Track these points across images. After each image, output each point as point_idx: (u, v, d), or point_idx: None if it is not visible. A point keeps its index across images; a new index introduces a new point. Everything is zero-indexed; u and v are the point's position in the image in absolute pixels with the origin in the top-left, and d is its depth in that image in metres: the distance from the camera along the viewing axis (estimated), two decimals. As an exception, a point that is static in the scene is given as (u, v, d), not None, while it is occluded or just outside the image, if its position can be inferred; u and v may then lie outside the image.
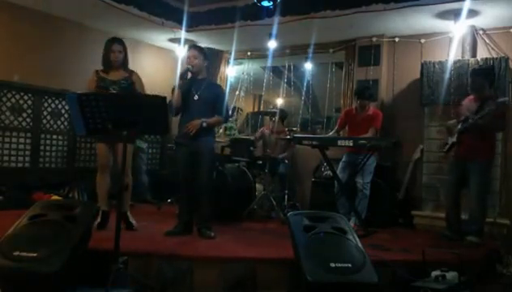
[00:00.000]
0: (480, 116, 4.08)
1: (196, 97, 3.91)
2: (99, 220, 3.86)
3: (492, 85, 4.36)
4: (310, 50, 6.31)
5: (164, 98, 2.91)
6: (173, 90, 4.03)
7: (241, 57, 7.08)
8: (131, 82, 4.02)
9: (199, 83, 3.95)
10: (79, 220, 2.78)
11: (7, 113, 5.44)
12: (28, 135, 5.64)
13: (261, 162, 5.43)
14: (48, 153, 5.81)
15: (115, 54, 3.98)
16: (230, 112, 6.31)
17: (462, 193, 4.41)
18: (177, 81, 3.98)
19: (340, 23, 5.37)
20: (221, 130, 6.71)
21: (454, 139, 4.36)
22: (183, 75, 3.82)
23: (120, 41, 4.06)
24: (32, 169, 5.62)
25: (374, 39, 5.91)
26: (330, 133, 5.17)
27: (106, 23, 6.04)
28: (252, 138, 6.13)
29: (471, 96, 4.43)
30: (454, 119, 4.49)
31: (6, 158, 5.44)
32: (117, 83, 3.95)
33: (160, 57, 7.13)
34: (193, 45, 4.14)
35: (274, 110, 6.17)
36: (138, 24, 5.97)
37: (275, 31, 5.63)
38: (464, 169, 4.31)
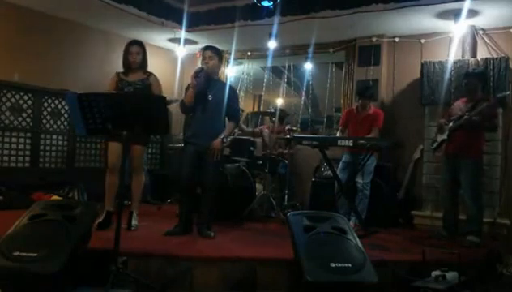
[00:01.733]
0: (476, 113, 4.10)
1: (210, 98, 3.91)
2: (101, 219, 3.85)
3: (484, 88, 4.39)
4: (310, 50, 6.32)
5: (164, 98, 2.91)
6: (187, 89, 4.01)
7: (241, 57, 7.08)
8: (148, 84, 4.02)
9: (213, 84, 3.96)
10: (79, 220, 2.77)
11: (7, 113, 5.44)
12: (28, 135, 5.64)
13: (261, 162, 5.43)
14: (48, 153, 5.81)
15: (133, 56, 4.02)
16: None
17: (460, 193, 4.41)
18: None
19: (340, 23, 5.37)
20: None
21: (444, 136, 4.37)
22: (197, 74, 3.81)
23: (138, 43, 4.11)
24: (32, 169, 5.62)
25: (374, 39, 5.92)
26: (337, 133, 5.16)
27: (106, 23, 6.05)
28: (251, 138, 6.14)
29: (464, 98, 4.46)
30: (443, 119, 4.52)
31: (6, 158, 5.44)
32: (133, 84, 3.98)
33: (160, 57, 7.12)
34: (208, 46, 4.10)
35: (273, 110, 6.17)
36: (138, 24, 5.97)
37: (275, 31, 5.63)
38: (456, 168, 4.32)
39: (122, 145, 3.88)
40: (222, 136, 3.89)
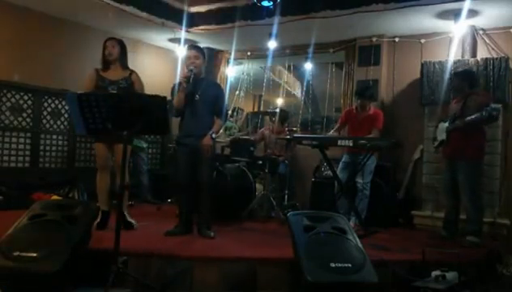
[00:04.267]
0: (469, 120, 4.10)
1: (197, 97, 3.92)
2: (98, 220, 3.85)
3: (472, 84, 4.39)
4: (310, 50, 6.32)
5: (165, 98, 2.91)
6: (173, 90, 4.02)
7: (241, 57, 7.08)
8: (131, 82, 4.02)
9: (199, 83, 3.96)
10: (79, 220, 2.78)
11: (7, 113, 5.44)
12: (28, 135, 5.64)
13: (261, 162, 5.43)
14: (48, 153, 5.82)
15: (108, 49, 4.02)
16: (229, 112, 6.35)
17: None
18: (176, 80, 3.99)
19: (340, 23, 5.37)
20: (221, 130, 6.71)
21: (443, 136, 4.39)
22: (188, 79, 3.81)
23: (115, 38, 4.12)
24: (32, 169, 5.62)
25: (374, 39, 5.92)
26: (331, 132, 5.17)
27: (106, 23, 6.04)
28: (252, 138, 6.14)
29: (455, 99, 4.50)
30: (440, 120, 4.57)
31: (6, 158, 5.44)
32: (116, 83, 3.96)
33: (160, 57, 7.13)
34: (192, 45, 4.14)
35: (274, 110, 6.17)
36: (138, 24, 5.97)
37: (275, 31, 5.63)
38: (453, 168, 4.34)
39: (108, 146, 3.95)
40: (210, 133, 3.89)
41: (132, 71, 4.08)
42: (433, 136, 4.65)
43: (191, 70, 3.84)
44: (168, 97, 4.04)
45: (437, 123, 4.61)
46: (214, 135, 3.91)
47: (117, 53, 4.04)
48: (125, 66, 4.09)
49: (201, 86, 3.95)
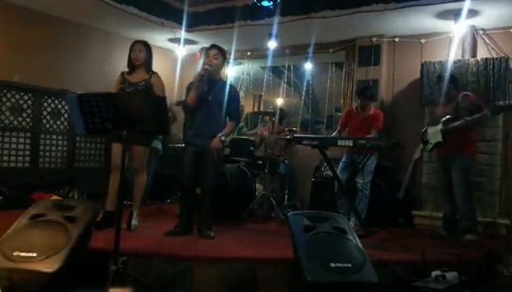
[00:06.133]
0: (463, 123, 4.19)
1: (210, 98, 3.90)
2: (99, 219, 3.84)
3: (457, 88, 4.44)
4: (310, 50, 6.32)
5: (164, 98, 2.91)
6: (188, 89, 4.00)
7: (241, 57, 7.07)
8: (149, 84, 4.01)
9: (214, 84, 3.94)
10: (79, 220, 2.78)
11: (7, 113, 5.45)
12: (28, 135, 5.64)
13: (261, 162, 5.42)
14: (48, 153, 5.82)
15: (135, 53, 4.03)
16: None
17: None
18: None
19: (340, 23, 5.37)
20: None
21: (439, 138, 4.39)
22: (202, 78, 3.79)
23: (142, 42, 4.13)
24: (31, 169, 5.63)
25: (374, 39, 5.92)
26: (333, 134, 5.17)
27: (106, 23, 6.05)
28: (251, 138, 6.14)
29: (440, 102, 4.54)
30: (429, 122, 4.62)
31: (6, 158, 5.44)
32: (135, 84, 3.97)
33: (160, 57, 7.08)
34: (214, 45, 4.06)
35: (274, 110, 6.16)
36: (139, 24, 5.97)
37: (275, 31, 5.63)
38: (448, 166, 4.37)
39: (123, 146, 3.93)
40: (220, 135, 3.87)
41: (154, 74, 4.08)
42: (424, 141, 4.64)
43: (206, 70, 3.81)
44: (182, 97, 4.02)
45: (425, 128, 4.61)
46: (223, 138, 3.90)
47: (144, 58, 4.04)
48: (149, 68, 4.09)
49: (215, 87, 3.93)
